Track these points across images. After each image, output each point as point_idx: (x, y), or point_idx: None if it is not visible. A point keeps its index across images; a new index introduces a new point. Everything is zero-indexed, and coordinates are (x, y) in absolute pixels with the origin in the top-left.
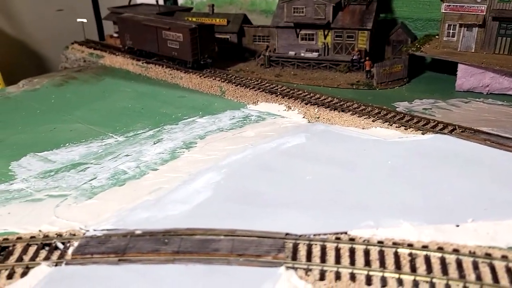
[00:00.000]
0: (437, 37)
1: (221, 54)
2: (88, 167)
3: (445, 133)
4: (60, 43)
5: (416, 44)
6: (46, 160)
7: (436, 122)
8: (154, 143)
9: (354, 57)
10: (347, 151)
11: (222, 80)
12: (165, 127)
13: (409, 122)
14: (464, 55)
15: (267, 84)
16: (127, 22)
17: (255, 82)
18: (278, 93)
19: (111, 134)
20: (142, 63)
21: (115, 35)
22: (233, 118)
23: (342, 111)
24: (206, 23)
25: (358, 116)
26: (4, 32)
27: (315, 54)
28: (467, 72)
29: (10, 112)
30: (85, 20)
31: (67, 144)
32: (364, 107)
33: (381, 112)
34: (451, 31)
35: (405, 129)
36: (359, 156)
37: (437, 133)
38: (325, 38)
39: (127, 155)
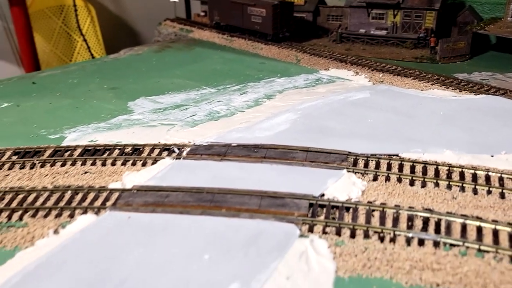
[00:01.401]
0: (502, 19)
1: (296, 31)
2: (189, 108)
3: (496, 95)
4: (152, 20)
5: (481, 24)
6: (155, 102)
7: (489, 87)
8: (240, 94)
9: (421, 35)
10: (405, 104)
11: (298, 50)
12: (249, 84)
13: (465, 86)
14: None
15: (338, 55)
16: (216, 0)
17: (327, 53)
18: (348, 62)
19: (204, 87)
20: (227, 36)
21: (202, 13)
22: (307, 80)
23: (404, 76)
24: (286, 1)
25: (418, 80)
26: (107, 9)
27: (383, 32)
28: None
29: (121, 69)
30: (177, 0)
31: (170, 92)
32: (424, 74)
33: (440, 78)
34: None
35: (459, 91)
36: (416, 108)
37: (489, 94)
38: (394, 17)
39: (219, 101)
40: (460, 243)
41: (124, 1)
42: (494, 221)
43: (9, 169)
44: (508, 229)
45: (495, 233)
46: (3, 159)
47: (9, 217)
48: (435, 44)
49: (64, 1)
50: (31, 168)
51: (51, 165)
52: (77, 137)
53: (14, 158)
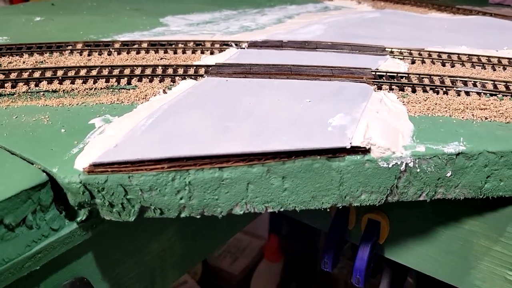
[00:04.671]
0: None
1: None
2: (219, 23)
3: (486, 16)
4: None
5: None
6: (184, 19)
7: (477, 11)
8: (262, 15)
9: None
10: (413, 21)
11: None
12: (265, 8)
13: (458, 10)
14: None
15: None
16: None
17: None
18: None
19: (224, 10)
20: None
21: None
22: (316, 7)
23: (403, 4)
24: None
25: (416, 7)
26: None
27: None
28: None
29: None
30: None
31: (194, 12)
32: (420, 2)
33: (434, 5)
34: None
35: (453, 14)
36: (423, 23)
37: (479, 15)
38: None
39: (245, 19)
40: (497, 93)
41: None
42: None
43: (88, 55)
44: None
45: None
46: (78, 47)
47: (118, 81)
48: None
49: None
50: (109, 55)
51: (127, 53)
52: (128, 39)
53: (88, 48)
